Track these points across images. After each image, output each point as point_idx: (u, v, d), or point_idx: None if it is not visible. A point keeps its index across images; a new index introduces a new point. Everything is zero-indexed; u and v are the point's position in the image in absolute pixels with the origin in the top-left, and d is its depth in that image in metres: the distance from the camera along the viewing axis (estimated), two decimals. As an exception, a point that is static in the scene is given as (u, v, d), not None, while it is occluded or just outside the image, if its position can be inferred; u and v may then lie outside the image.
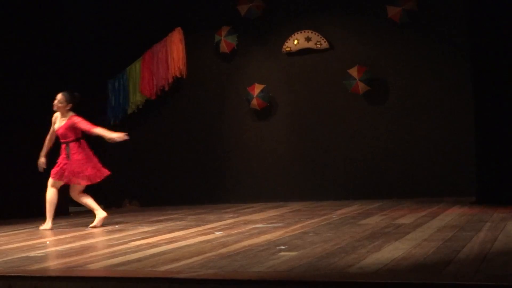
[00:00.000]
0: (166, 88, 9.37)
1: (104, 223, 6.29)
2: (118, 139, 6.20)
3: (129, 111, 9.72)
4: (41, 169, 6.41)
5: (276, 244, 3.96)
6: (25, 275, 3.34)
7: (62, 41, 9.13)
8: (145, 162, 9.63)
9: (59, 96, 6.28)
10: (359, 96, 8.17)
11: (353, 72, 8.10)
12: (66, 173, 6.20)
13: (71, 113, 6.29)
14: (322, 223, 5.23)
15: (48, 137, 6.46)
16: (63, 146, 6.27)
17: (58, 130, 6.29)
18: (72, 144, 6.21)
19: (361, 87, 8.07)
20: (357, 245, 3.74)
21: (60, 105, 6.26)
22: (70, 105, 6.28)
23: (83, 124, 6.19)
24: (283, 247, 3.80)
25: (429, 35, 7.89)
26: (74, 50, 9.53)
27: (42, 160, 6.42)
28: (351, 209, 6.55)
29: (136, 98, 9.64)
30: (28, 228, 6.63)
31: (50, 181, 6.30)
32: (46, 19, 8.77)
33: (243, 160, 8.94)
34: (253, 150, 8.89)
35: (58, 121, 6.33)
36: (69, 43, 9.40)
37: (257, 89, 8.69)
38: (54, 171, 6.27)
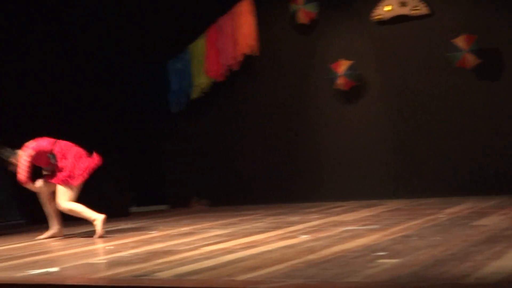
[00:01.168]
0: (235, 68, 9.47)
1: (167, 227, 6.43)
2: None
3: (193, 95, 9.90)
4: None
5: (373, 250, 3.95)
6: (88, 284, 3.49)
7: (114, 17, 9.40)
8: (214, 155, 9.79)
9: None
10: (467, 71, 7.97)
11: (460, 42, 7.91)
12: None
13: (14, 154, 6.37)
14: (427, 224, 5.16)
15: None
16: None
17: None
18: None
19: (470, 60, 7.88)
20: (472, 250, 3.67)
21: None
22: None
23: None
24: (382, 253, 3.78)
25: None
26: (128, 27, 9.78)
27: None
28: (462, 207, 6.42)
29: (201, 81, 9.80)
30: (86, 231, 6.89)
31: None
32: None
33: (328, 151, 8.92)
34: (339, 139, 8.85)
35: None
36: (122, 18, 9.64)
37: (342, 66, 8.64)
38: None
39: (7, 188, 8.38)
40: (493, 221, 5.08)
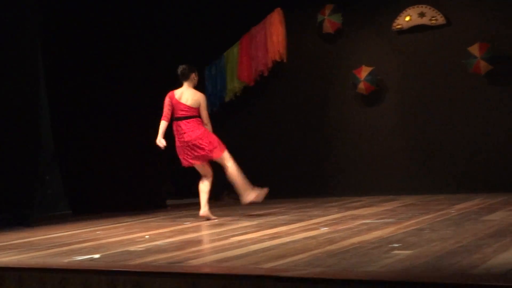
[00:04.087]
0: (266, 74, 9.46)
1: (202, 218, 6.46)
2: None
3: (227, 98, 9.91)
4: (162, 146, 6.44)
5: (388, 242, 3.92)
6: (127, 270, 3.51)
7: (158, 27, 9.46)
8: (243, 153, 9.76)
9: (188, 68, 6.51)
10: (481, 77, 7.86)
11: (474, 50, 7.79)
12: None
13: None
14: (439, 219, 5.10)
15: (164, 118, 6.47)
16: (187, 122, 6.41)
17: (185, 103, 6.40)
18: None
19: (483, 66, 7.76)
20: (481, 243, 3.62)
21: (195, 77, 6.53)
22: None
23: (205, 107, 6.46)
24: (397, 245, 3.75)
25: None
26: (170, 35, 9.83)
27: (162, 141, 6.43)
28: (472, 203, 6.34)
29: (234, 85, 9.80)
30: (127, 222, 6.96)
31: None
32: (141, 4, 9.15)
33: (349, 150, 8.87)
34: (360, 139, 8.80)
35: (186, 95, 6.45)
36: (165, 27, 9.69)
37: (364, 72, 8.58)
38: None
39: (55, 181, 8.48)
40: (501, 216, 5.03)
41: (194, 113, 6.41)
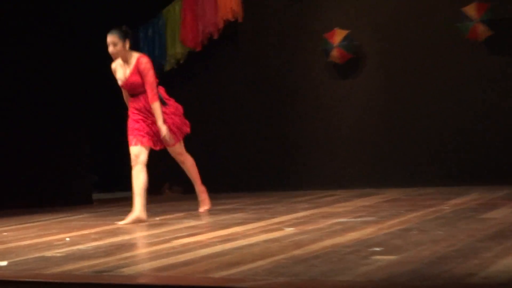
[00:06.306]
0: (216, 36, 9.44)
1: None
2: (163, 136, 6.38)
3: (167, 67, 9.88)
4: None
5: (367, 245, 3.96)
6: (43, 280, 3.48)
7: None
8: (188, 137, 9.76)
9: (111, 37, 6.28)
10: (479, 44, 8.00)
11: (470, 10, 7.92)
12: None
13: (134, 53, 6.38)
14: (430, 217, 5.18)
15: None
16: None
17: (127, 80, 6.33)
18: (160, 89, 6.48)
19: (481, 31, 7.90)
20: (479, 246, 3.70)
21: (117, 47, 6.26)
22: (128, 42, 6.31)
23: (149, 78, 6.31)
24: (378, 249, 3.80)
25: None
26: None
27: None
28: (469, 198, 6.46)
29: (176, 50, 9.77)
30: (41, 221, 6.87)
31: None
32: None
33: (319, 133, 8.94)
34: (332, 118, 8.87)
35: (121, 71, 6.37)
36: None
37: (338, 36, 8.64)
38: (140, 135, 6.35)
39: None
40: (503, 214, 5.12)
41: None
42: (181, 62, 9.78)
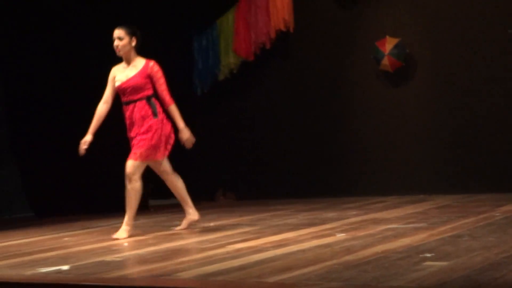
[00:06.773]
0: (268, 46, 9.47)
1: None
2: (186, 138, 6.13)
3: (220, 76, 9.94)
4: (82, 151, 6.14)
5: (418, 251, 3.96)
6: (102, 284, 3.56)
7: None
8: (242, 144, 9.83)
9: (118, 30, 6.03)
10: (531, 51, 7.88)
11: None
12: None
13: (141, 57, 6.12)
14: (481, 223, 5.14)
15: (100, 104, 6.22)
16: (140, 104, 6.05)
17: (129, 81, 6.02)
18: (154, 100, 6.06)
19: None
20: (531, 253, 3.67)
21: (123, 42, 6.01)
22: (134, 41, 6.07)
23: (162, 83, 6.07)
24: (429, 255, 3.79)
25: None
26: None
27: (88, 139, 6.16)
28: (521, 205, 6.39)
29: (229, 60, 9.82)
30: (100, 226, 7.00)
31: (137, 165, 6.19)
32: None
33: (370, 141, 8.90)
34: (382, 126, 8.82)
35: (121, 72, 6.11)
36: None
37: (389, 44, 8.59)
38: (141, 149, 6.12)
39: (15, 177, 8.52)
40: (556, 221, 5.06)
41: None
42: (235, 71, 9.83)
